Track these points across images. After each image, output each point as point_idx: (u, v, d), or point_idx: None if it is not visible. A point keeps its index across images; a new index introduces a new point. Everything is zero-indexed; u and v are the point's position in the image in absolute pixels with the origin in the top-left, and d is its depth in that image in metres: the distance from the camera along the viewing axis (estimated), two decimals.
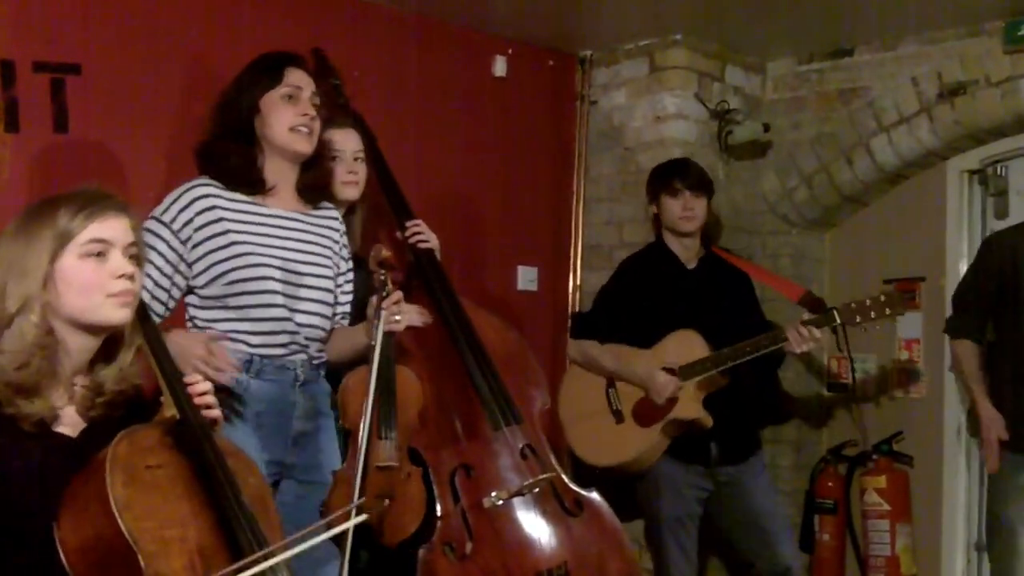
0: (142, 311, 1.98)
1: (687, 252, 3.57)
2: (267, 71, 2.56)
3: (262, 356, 2.49)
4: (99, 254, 1.80)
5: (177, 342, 2.31)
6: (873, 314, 3.29)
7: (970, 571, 3.99)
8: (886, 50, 4.03)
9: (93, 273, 1.79)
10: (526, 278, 4.18)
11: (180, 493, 1.78)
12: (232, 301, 2.48)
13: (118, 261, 1.82)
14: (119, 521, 1.65)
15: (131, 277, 1.83)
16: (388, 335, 2.52)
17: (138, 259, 1.86)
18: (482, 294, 3.81)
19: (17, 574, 1.71)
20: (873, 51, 4.07)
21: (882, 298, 3.31)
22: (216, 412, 1.91)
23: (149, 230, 2.45)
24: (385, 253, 2.52)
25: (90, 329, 1.82)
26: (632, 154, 4.18)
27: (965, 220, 4.07)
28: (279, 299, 2.49)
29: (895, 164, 4.07)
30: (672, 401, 3.40)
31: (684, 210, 3.50)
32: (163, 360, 1.90)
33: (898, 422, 4.12)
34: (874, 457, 4.07)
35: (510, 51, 4.07)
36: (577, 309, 4.26)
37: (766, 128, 4.13)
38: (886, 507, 3.95)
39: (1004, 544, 3.25)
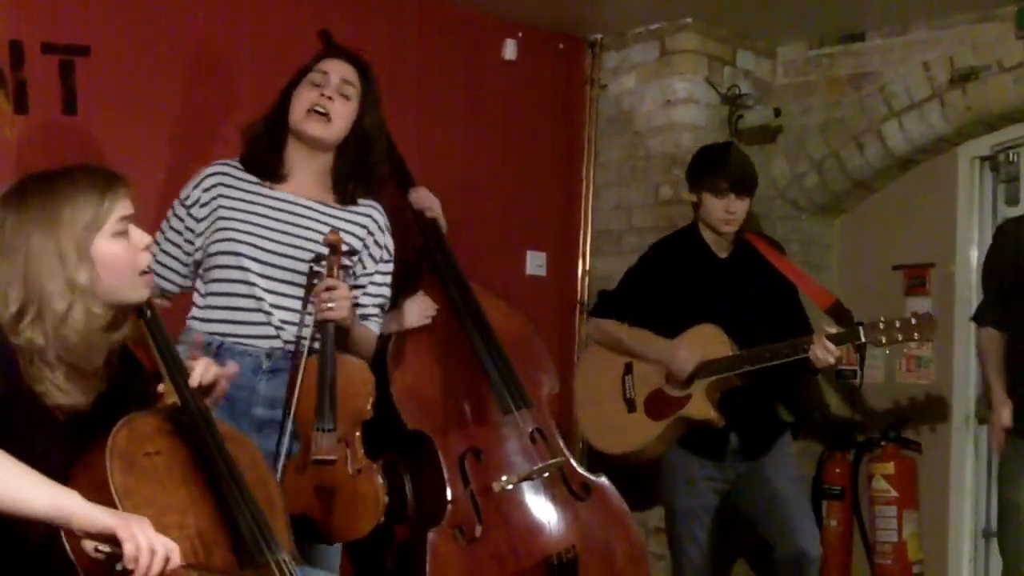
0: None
1: (721, 242, 3.45)
2: (311, 61, 2.62)
3: (224, 336, 2.48)
4: (123, 232, 1.84)
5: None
6: (900, 336, 3.16)
7: (977, 557, 3.99)
8: (897, 35, 4.00)
9: (125, 251, 1.84)
10: (535, 263, 4.17)
11: (179, 479, 1.78)
12: (208, 275, 2.53)
13: (138, 234, 1.87)
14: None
15: (149, 247, 1.90)
16: (323, 323, 2.43)
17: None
18: (490, 279, 3.79)
19: (29, 555, 1.72)
20: (884, 36, 4.04)
21: (913, 321, 3.16)
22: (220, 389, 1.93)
23: (172, 210, 2.58)
24: (332, 236, 2.46)
25: (115, 308, 1.83)
26: (642, 139, 4.17)
27: (976, 207, 4.05)
28: (251, 276, 2.48)
29: (906, 150, 4.04)
30: (685, 398, 3.33)
31: (726, 213, 3.35)
32: (163, 346, 1.90)
33: (906, 408, 4.11)
34: (882, 443, 4.06)
35: (520, 35, 4.05)
36: (586, 294, 4.25)
37: (777, 113, 4.11)
38: (893, 493, 3.95)
39: (1016, 530, 3.24)
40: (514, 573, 2.81)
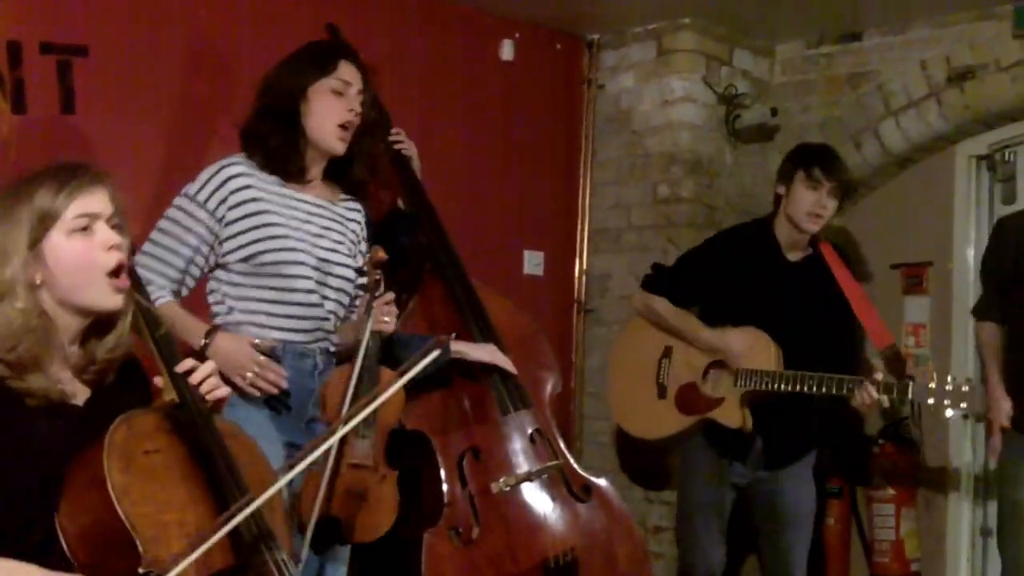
0: (141, 291, 1.97)
1: (796, 244, 3.29)
2: (321, 59, 2.52)
3: (286, 341, 2.48)
4: (85, 228, 1.78)
5: (222, 349, 2.35)
6: (947, 402, 2.98)
7: (975, 556, 4.00)
8: (895, 34, 4.01)
9: (83, 249, 1.77)
10: (532, 262, 4.17)
11: (178, 478, 1.76)
12: (265, 282, 2.46)
13: (105, 233, 1.79)
14: (117, 507, 1.64)
15: (119, 247, 1.80)
16: (375, 335, 2.47)
17: (121, 229, 1.83)
18: (488, 278, 3.78)
19: (31, 547, 1.71)
20: (882, 35, 4.05)
21: (965, 388, 2.98)
22: (223, 391, 1.89)
23: (182, 208, 2.46)
24: (380, 254, 2.49)
25: (81, 312, 1.79)
26: (639, 138, 4.17)
27: (973, 205, 4.06)
28: (311, 284, 2.49)
29: (903, 149, 4.05)
30: (717, 401, 3.25)
31: (816, 206, 3.19)
32: (161, 344, 1.88)
33: (904, 407, 4.11)
34: (880, 442, 4.06)
35: (517, 34, 4.05)
36: (584, 294, 4.25)
37: (774, 112, 4.11)
38: (892, 492, 3.95)
39: (1017, 528, 3.24)
40: (512, 574, 2.79)
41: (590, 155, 4.28)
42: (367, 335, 2.43)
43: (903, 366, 3.25)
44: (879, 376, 3.06)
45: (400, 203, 3.18)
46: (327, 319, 2.53)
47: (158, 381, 1.86)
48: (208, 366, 1.89)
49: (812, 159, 3.26)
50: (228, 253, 2.46)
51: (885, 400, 3.05)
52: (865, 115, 4.06)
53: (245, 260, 2.46)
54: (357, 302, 2.65)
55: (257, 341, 2.44)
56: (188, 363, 1.85)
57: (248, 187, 2.46)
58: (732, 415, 3.22)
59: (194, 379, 1.85)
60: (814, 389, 3.08)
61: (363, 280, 2.62)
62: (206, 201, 2.46)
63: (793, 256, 3.32)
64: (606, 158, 4.27)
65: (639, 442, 3.44)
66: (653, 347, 3.40)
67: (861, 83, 4.08)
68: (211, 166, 2.50)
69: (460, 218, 3.75)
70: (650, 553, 3.19)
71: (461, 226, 3.68)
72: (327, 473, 2.38)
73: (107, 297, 1.79)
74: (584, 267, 4.28)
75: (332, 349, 2.59)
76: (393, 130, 3.09)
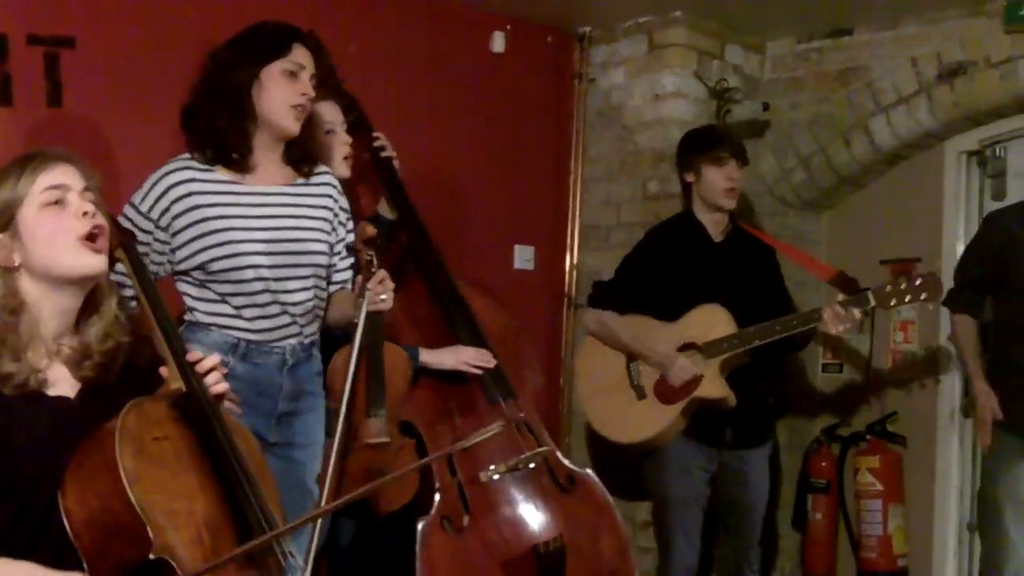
0: (149, 286, 1.97)
1: (716, 226, 3.50)
2: (273, 42, 2.49)
3: (248, 340, 2.46)
4: (57, 202, 1.79)
5: None
6: (908, 298, 3.25)
7: (962, 551, 4.01)
8: (886, 30, 4.01)
9: (57, 219, 1.78)
10: (523, 257, 4.17)
11: (186, 466, 1.77)
12: (217, 288, 2.45)
13: (78, 203, 1.80)
14: (129, 493, 1.64)
15: (92, 214, 1.81)
16: (374, 314, 2.49)
17: (97, 204, 1.83)
18: (478, 273, 3.80)
19: (20, 540, 1.71)
20: (873, 31, 4.05)
21: (918, 282, 3.25)
22: (223, 386, 1.90)
23: (126, 216, 2.44)
24: (370, 231, 2.48)
25: (65, 281, 1.79)
26: (630, 133, 4.17)
27: (963, 202, 4.06)
28: (260, 285, 2.45)
29: (893, 145, 4.06)
30: (696, 380, 3.34)
31: (728, 181, 3.42)
32: (168, 331, 1.89)
33: (892, 403, 4.13)
34: (867, 437, 4.08)
35: (508, 27, 4.04)
36: (574, 289, 4.26)
37: (765, 107, 4.11)
38: (879, 487, 3.97)
39: (992, 524, 3.27)
40: (502, 562, 2.83)
41: (580, 150, 4.28)
42: (362, 315, 2.44)
43: (856, 283, 3.41)
44: (840, 298, 3.29)
45: (379, 208, 3.19)
46: (286, 312, 2.49)
47: (164, 371, 1.87)
48: (213, 358, 1.90)
49: (711, 141, 3.51)
50: (181, 261, 2.46)
51: (856, 312, 3.24)
52: (855, 111, 4.07)
53: (198, 268, 2.45)
54: (339, 276, 2.63)
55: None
56: (195, 354, 1.88)
57: (190, 194, 2.43)
58: (715, 387, 3.33)
59: (201, 368, 1.86)
60: (781, 332, 3.26)
61: (352, 259, 2.62)
62: (149, 211, 2.45)
63: (719, 237, 3.51)
64: (596, 153, 4.27)
65: (635, 447, 3.45)
66: (617, 356, 3.50)
67: (851, 79, 4.08)
68: (154, 173, 2.47)
69: (450, 212, 3.76)
70: (633, 545, 3.20)
71: (451, 220, 3.69)
72: (332, 456, 2.40)
73: (83, 258, 1.79)
74: (575, 262, 4.28)
75: (309, 339, 2.56)
76: (374, 134, 3.10)
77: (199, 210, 2.43)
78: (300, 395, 2.54)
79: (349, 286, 2.64)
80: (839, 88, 4.11)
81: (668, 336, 3.40)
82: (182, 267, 2.46)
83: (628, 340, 3.45)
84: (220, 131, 2.45)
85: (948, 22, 3.84)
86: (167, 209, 2.44)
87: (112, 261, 1.91)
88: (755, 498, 3.51)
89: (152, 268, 2.45)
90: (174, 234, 2.45)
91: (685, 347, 3.40)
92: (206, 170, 2.47)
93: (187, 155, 2.49)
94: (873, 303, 3.27)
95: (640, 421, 3.42)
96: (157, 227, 2.45)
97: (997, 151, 4.00)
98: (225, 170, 2.48)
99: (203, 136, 2.46)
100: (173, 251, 2.46)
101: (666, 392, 3.38)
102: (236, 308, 2.45)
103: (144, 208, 2.45)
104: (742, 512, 3.50)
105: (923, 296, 3.26)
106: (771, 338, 3.28)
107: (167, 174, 2.46)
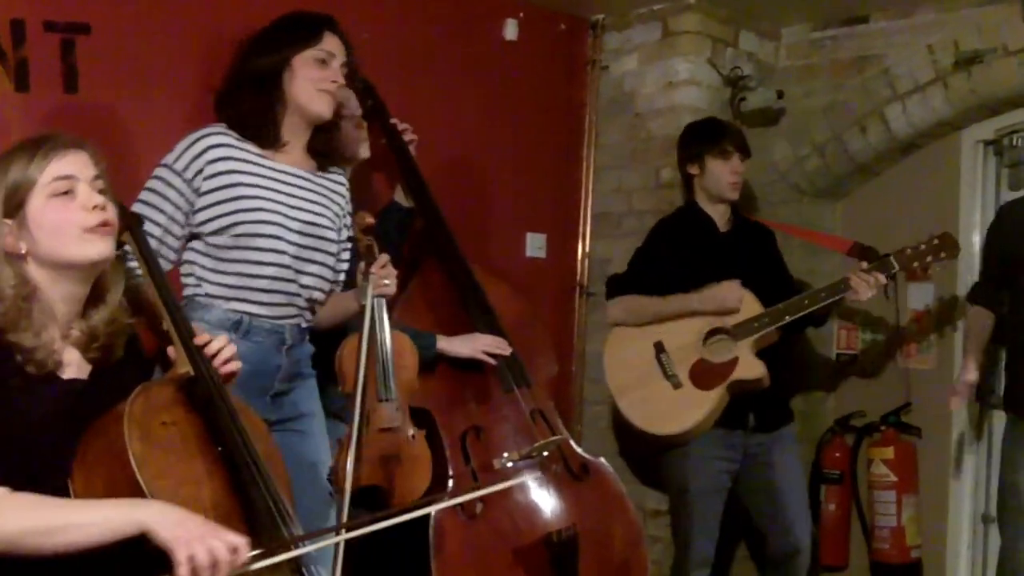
0: (157, 270, 1.97)
1: (722, 217, 3.56)
2: (306, 29, 2.55)
3: (252, 315, 2.47)
4: (66, 192, 1.78)
5: None
6: (929, 258, 3.35)
7: (976, 543, 4.00)
8: (901, 17, 3.98)
9: (64, 210, 1.77)
10: (534, 245, 4.16)
11: (193, 451, 1.77)
12: (237, 255, 2.45)
13: (87, 194, 1.80)
14: (138, 477, 1.64)
15: (104, 208, 1.80)
16: (379, 299, 2.51)
17: (105, 192, 1.83)
18: (490, 260, 3.80)
19: None
20: (888, 18, 4.02)
21: (935, 242, 3.34)
22: (235, 365, 1.90)
23: (160, 178, 2.46)
24: (368, 219, 2.51)
25: (71, 268, 1.79)
26: (643, 121, 4.15)
27: (979, 191, 4.04)
28: (286, 259, 2.48)
29: (909, 133, 4.03)
30: (732, 362, 3.34)
31: (733, 174, 3.48)
32: (176, 316, 1.89)
33: (906, 393, 4.11)
34: (881, 428, 4.06)
35: (521, 14, 4.02)
36: (586, 276, 4.25)
37: (780, 95, 4.09)
38: (893, 478, 3.95)
39: (1015, 512, 3.25)
40: (515, 549, 2.84)
41: (593, 138, 4.26)
42: (369, 300, 2.45)
43: (875, 251, 3.49)
44: (864, 265, 3.38)
45: (396, 196, 3.20)
46: (298, 295, 2.52)
47: (171, 352, 1.87)
48: (221, 339, 1.90)
49: (715, 134, 3.54)
50: (202, 224, 2.46)
51: (882, 277, 3.33)
52: (870, 99, 4.04)
53: (219, 232, 2.45)
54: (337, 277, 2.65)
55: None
56: (203, 336, 1.88)
57: (226, 158, 2.46)
58: (752, 367, 3.35)
59: (209, 350, 1.86)
60: (810, 306, 3.33)
61: (349, 246, 2.64)
62: (184, 170, 2.45)
63: (724, 227, 3.56)
64: (609, 141, 4.25)
65: (679, 438, 3.40)
66: (642, 350, 3.47)
67: (867, 67, 4.05)
68: (188, 136, 2.49)
69: (463, 199, 3.75)
70: (645, 534, 3.20)
71: (464, 207, 3.68)
72: (351, 443, 2.40)
73: (89, 244, 1.78)
74: (587, 250, 4.27)
75: (304, 325, 2.58)
76: (392, 120, 3.11)
77: (234, 175, 2.45)
78: (295, 375, 2.57)
79: (339, 288, 2.67)
80: (854, 75, 4.08)
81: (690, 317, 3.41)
82: (202, 230, 2.46)
83: (662, 307, 3.43)
84: (251, 114, 2.50)
85: (965, 9, 3.81)
86: (201, 170, 2.45)
87: (119, 244, 1.91)
88: (784, 479, 3.47)
89: (163, 252, 2.45)
90: (202, 195, 2.45)
91: (712, 333, 3.40)
92: (241, 139, 2.50)
93: (220, 125, 2.52)
94: (896, 267, 3.35)
95: (682, 410, 3.38)
96: (189, 185, 2.45)
97: (1014, 140, 3.97)
98: (256, 145, 2.51)
99: (234, 120, 2.51)
100: (195, 212, 2.45)
101: (703, 378, 3.36)
102: (248, 277, 2.45)
103: (179, 167, 2.45)
104: (774, 495, 3.46)
105: (942, 254, 3.35)
106: (802, 312, 3.33)
107: (205, 136, 2.48)
